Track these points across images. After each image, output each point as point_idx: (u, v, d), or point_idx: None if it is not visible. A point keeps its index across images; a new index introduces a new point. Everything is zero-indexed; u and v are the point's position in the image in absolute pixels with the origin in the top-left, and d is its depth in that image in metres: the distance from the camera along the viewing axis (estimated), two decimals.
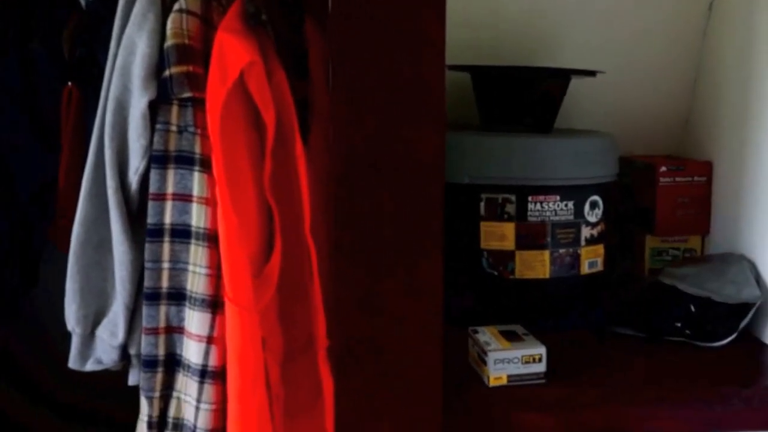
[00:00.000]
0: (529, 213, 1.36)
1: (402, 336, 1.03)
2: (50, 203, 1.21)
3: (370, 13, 0.99)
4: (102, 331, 1.14)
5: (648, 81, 1.73)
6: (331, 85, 1.01)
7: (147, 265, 1.08)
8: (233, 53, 1.06)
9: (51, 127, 1.19)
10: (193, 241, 1.08)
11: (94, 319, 1.14)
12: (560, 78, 1.50)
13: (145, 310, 1.10)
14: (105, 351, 1.15)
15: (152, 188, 1.08)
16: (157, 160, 1.07)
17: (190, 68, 1.08)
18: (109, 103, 1.08)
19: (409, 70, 1.00)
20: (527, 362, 1.14)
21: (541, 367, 1.14)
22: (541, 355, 1.14)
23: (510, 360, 1.13)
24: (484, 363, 1.14)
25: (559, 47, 1.67)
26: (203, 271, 1.07)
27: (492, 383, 1.13)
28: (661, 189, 1.59)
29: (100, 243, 1.12)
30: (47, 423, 1.63)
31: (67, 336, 1.17)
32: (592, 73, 1.46)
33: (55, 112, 1.19)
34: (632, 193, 1.66)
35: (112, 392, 1.50)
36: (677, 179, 1.59)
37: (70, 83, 1.20)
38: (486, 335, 1.19)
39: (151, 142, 1.07)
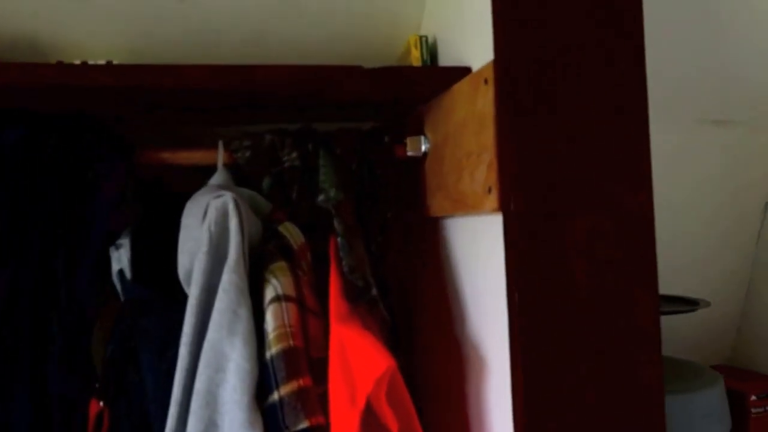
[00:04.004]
0: None
1: None
2: None
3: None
4: None
5: (704, 287, 1.53)
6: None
7: None
8: (363, 360, 0.75)
9: None
10: None
11: None
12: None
13: None
14: None
15: None
16: None
17: (301, 382, 0.75)
18: None
19: (623, 320, 0.80)
20: None
21: None
22: None
23: None
24: None
25: None
26: None
27: None
28: (755, 420, 1.37)
29: None
30: None
31: None
32: (693, 307, 1.24)
33: None
34: None
35: None
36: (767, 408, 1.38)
37: (101, 403, 0.82)
38: None
39: None
